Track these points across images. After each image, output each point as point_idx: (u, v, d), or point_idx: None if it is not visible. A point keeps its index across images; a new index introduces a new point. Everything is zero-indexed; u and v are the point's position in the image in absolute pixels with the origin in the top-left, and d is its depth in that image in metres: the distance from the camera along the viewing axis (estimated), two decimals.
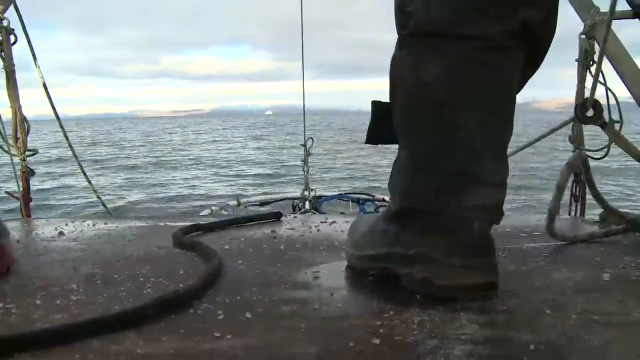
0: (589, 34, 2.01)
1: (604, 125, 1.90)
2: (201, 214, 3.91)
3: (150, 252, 1.17)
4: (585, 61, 2.05)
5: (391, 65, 0.88)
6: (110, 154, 23.87)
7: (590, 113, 1.87)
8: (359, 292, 0.92)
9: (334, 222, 1.48)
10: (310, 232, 1.36)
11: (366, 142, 1.00)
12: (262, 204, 5.55)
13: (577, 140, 2.11)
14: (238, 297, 0.87)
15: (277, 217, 1.48)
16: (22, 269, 1.06)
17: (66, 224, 1.51)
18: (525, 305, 0.83)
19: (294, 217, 1.62)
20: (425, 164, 0.84)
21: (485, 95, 0.81)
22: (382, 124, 0.94)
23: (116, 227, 1.47)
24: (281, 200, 5.59)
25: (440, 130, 0.82)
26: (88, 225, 1.49)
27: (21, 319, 0.79)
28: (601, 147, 2.01)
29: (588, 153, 2.05)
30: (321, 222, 1.47)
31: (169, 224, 1.48)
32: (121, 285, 0.94)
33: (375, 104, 0.97)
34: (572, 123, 2.07)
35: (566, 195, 2.23)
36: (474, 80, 0.80)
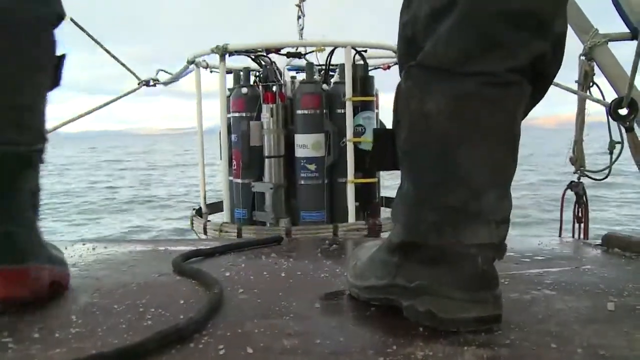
0: (588, 56, 2.02)
1: (629, 129, 1.90)
2: None
3: (150, 280, 1.16)
4: (585, 82, 2.06)
5: (396, 94, 0.89)
6: None
7: (624, 112, 1.86)
8: (361, 324, 0.90)
9: (335, 245, 1.48)
10: (312, 257, 1.35)
11: (368, 169, 1.01)
12: None
13: (578, 161, 2.11)
14: (239, 330, 0.86)
15: (277, 241, 1.47)
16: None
17: (65, 248, 1.50)
18: (530, 339, 0.82)
19: (295, 240, 1.61)
20: (427, 197, 0.84)
21: (488, 131, 0.81)
22: (384, 151, 0.94)
23: (116, 251, 1.46)
24: None
25: (442, 164, 0.82)
26: (88, 249, 1.48)
27: (18, 354, 0.78)
28: (602, 168, 2.01)
29: (589, 174, 2.05)
30: (322, 246, 1.46)
31: (169, 248, 1.48)
32: (121, 317, 0.93)
33: (377, 132, 0.97)
34: (573, 144, 2.07)
35: (569, 215, 2.23)
36: (476, 116, 0.80)
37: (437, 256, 0.83)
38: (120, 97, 3.38)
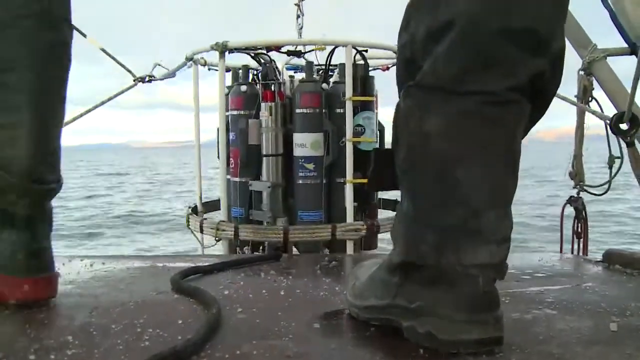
0: (587, 71, 2.03)
1: (630, 144, 1.90)
2: None
3: (148, 298, 1.15)
4: (584, 97, 2.06)
5: (395, 113, 0.88)
6: None
7: (625, 127, 1.86)
8: (361, 345, 0.90)
9: (334, 262, 1.47)
10: (311, 274, 1.35)
11: (367, 189, 1.00)
12: None
13: (577, 176, 2.10)
14: (237, 352, 0.85)
15: (276, 258, 1.47)
16: (17, 316, 1.04)
17: (63, 264, 1.48)
18: None
19: (293, 257, 1.60)
20: (426, 217, 0.83)
21: (487, 151, 0.81)
22: (384, 170, 0.94)
23: (114, 267, 1.45)
24: None
25: (441, 184, 0.81)
26: (85, 265, 1.47)
27: None
28: (601, 183, 2.01)
29: (588, 189, 2.05)
30: (321, 263, 1.46)
31: (167, 265, 1.47)
32: (118, 337, 0.92)
33: (377, 152, 0.97)
34: (572, 159, 2.07)
35: (568, 231, 2.22)
36: (475, 135, 0.80)
37: (438, 277, 0.83)
38: (117, 94, 3.31)
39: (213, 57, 3.23)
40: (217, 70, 3.16)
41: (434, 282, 0.83)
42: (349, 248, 2.79)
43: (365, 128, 2.99)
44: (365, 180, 2.92)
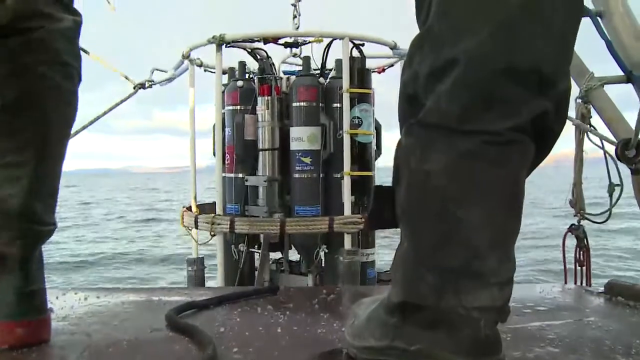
0: (584, 99, 2.03)
1: (636, 172, 1.88)
2: None
3: (142, 336, 1.13)
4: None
5: (396, 151, 0.87)
6: None
7: (631, 154, 1.84)
8: None
9: (332, 296, 1.44)
10: (308, 309, 1.32)
11: (366, 228, 0.98)
12: None
13: (577, 204, 2.09)
14: None
15: (272, 292, 1.44)
16: (6, 356, 1.02)
17: (57, 297, 1.46)
18: None
19: (290, 290, 1.58)
20: (427, 258, 0.81)
21: (489, 192, 0.79)
22: (384, 209, 0.93)
23: (108, 302, 1.42)
24: None
25: (442, 225, 0.80)
26: (79, 299, 1.44)
27: None
28: (602, 211, 2.00)
29: (589, 217, 2.03)
30: (320, 296, 1.43)
31: (163, 298, 1.44)
32: None
33: (378, 189, 0.95)
34: (572, 187, 2.06)
35: (570, 259, 2.20)
36: (477, 176, 0.79)
37: (437, 319, 0.81)
38: (118, 104, 3.29)
39: (209, 57, 3.20)
40: (213, 72, 3.16)
41: (433, 325, 0.81)
42: (347, 242, 2.74)
43: (362, 120, 2.97)
44: (363, 173, 2.90)
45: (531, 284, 1.72)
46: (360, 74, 3.02)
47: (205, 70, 3.44)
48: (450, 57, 0.78)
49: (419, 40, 0.85)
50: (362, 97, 2.99)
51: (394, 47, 3.26)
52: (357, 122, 2.95)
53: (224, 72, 3.20)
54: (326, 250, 2.93)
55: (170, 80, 3.40)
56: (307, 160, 2.94)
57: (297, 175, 2.95)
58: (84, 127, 3.02)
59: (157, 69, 3.40)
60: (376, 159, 3.22)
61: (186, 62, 3.33)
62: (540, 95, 0.78)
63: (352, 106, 2.91)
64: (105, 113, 3.23)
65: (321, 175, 2.93)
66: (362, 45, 3.07)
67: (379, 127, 3.27)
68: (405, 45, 3.27)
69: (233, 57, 3.28)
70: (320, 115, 2.95)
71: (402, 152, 0.86)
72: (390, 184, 0.89)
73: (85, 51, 2.88)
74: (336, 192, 2.92)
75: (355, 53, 3.06)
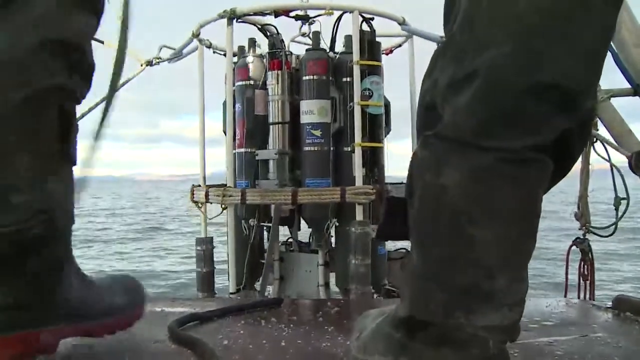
0: None
1: None
2: None
3: (144, 348, 1.12)
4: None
5: (411, 163, 0.85)
6: None
7: None
8: None
9: (337, 308, 1.43)
10: (313, 322, 1.31)
11: (376, 238, 0.97)
12: None
13: (583, 217, 2.08)
14: None
15: (277, 303, 1.43)
16: None
17: None
18: None
19: (295, 302, 1.56)
20: (436, 274, 0.80)
21: (504, 210, 0.77)
22: (395, 220, 0.91)
23: None
24: None
25: (454, 241, 0.78)
26: None
27: None
28: (608, 224, 1.98)
29: (594, 231, 2.01)
30: (324, 308, 1.42)
31: (165, 309, 1.43)
32: None
33: (390, 200, 0.94)
34: (578, 200, 2.05)
35: (574, 273, 2.18)
36: (492, 193, 0.77)
37: (444, 336, 0.79)
38: (126, 82, 3.27)
39: (218, 37, 3.20)
40: (221, 53, 3.16)
41: (440, 342, 0.79)
42: (359, 213, 2.72)
43: (373, 92, 2.99)
44: (373, 144, 2.91)
45: (537, 298, 1.70)
46: (370, 47, 3.05)
47: (214, 52, 3.44)
48: (471, 69, 0.76)
49: (441, 50, 0.84)
50: (372, 70, 3.02)
51: (402, 23, 3.28)
52: (367, 93, 2.97)
53: (233, 55, 3.21)
54: (337, 224, 2.92)
55: (178, 57, 3.39)
56: (318, 133, 2.95)
57: (307, 149, 2.96)
58: (96, 104, 3.01)
59: (166, 46, 3.40)
60: (385, 135, 3.24)
61: (195, 41, 3.34)
62: (563, 113, 0.75)
63: (362, 78, 2.91)
64: (113, 91, 3.22)
65: (331, 149, 2.93)
66: (372, 19, 3.09)
67: (388, 104, 3.28)
68: (413, 23, 3.32)
69: (241, 37, 3.30)
70: (331, 88, 2.96)
71: (417, 164, 0.84)
72: (402, 195, 0.88)
73: (99, 41, 2.88)
74: (346, 166, 2.93)
75: (365, 27, 3.09)
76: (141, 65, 3.32)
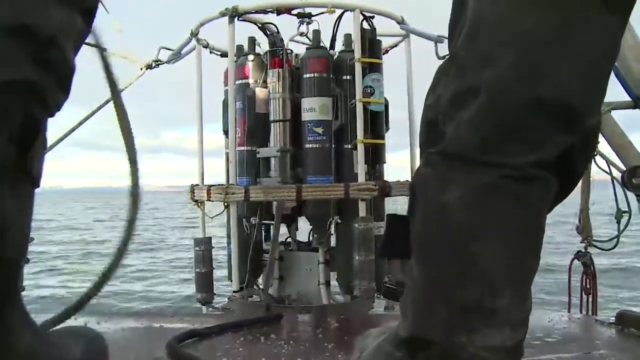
0: None
1: None
2: None
3: None
4: None
5: (413, 180, 0.85)
6: None
7: (637, 181, 1.83)
8: None
9: (336, 324, 1.42)
10: (312, 338, 1.29)
11: (379, 256, 0.96)
12: None
13: (584, 230, 2.06)
14: None
15: (277, 319, 1.41)
16: None
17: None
18: None
19: (294, 317, 1.55)
20: (439, 291, 0.79)
21: (507, 227, 0.76)
22: (397, 237, 0.90)
23: (108, 328, 1.39)
24: None
25: (456, 258, 0.77)
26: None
27: None
28: (610, 238, 1.97)
29: (596, 244, 2.00)
30: (323, 325, 1.40)
31: (164, 325, 1.41)
32: None
33: (391, 218, 0.93)
34: (579, 213, 2.03)
35: (576, 286, 2.16)
36: (495, 210, 0.76)
37: (446, 356, 0.78)
38: (127, 86, 3.27)
39: (216, 38, 3.22)
40: (217, 54, 3.17)
41: None
42: (362, 209, 2.73)
43: (374, 89, 3.00)
44: (375, 141, 2.92)
45: (539, 312, 1.68)
46: (371, 45, 3.07)
47: (211, 52, 3.46)
48: (473, 84, 0.75)
49: (445, 66, 0.83)
50: (373, 67, 3.04)
51: (401, 22, 3.31)
52: (369, 90, 2.98)
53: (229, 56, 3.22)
54: (339, 221, 2.93)
55: (177, 58, 3.39)
56: (319, 130, 2.96)
57: (309, 146, 2.96)
58: (93, 113, 3.00)
59: (164, 47, 3.41)
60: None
61: (193, 40, 3.36)
62: (566, 130, 0.74)
63: (363, 76, 2.94)
64: (115, 96, 3.21)
65: (333, 146, 2.95)
66: (372, 18, 3.12)
67: (387, 104, 3.30)
68: (412, 23, 3.37)
69: (238, 37, 3.31)
70: (332, 85, 2.98)
71: (420, 181, 0.83)
72: (405, 213, 0.87)
73: (94, 46, 2.87)
74: (347, 163, 2.94)
75: (366, 26, 3.12)
76: (141, 69, 3.32)
